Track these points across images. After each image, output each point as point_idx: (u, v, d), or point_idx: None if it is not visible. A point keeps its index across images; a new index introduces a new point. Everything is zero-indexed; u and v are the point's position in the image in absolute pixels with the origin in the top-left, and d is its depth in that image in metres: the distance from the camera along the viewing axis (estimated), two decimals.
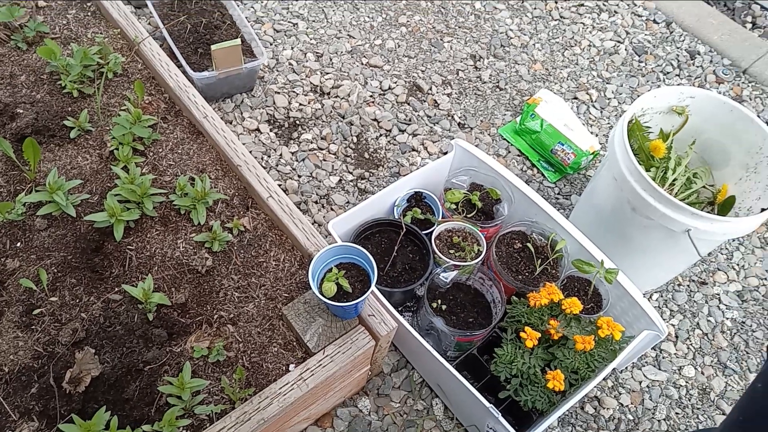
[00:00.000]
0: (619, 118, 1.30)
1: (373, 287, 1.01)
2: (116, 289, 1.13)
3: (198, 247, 1.19)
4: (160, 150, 1.31)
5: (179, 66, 1.54)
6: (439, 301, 1.28)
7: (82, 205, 1.21)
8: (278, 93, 1.77)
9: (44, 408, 1.01)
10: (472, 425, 1.23)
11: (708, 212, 1.35)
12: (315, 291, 0.99)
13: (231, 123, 1.69)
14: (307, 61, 1.86)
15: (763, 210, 1.22)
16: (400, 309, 1.41)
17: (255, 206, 1.27)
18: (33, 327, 1.08)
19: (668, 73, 2.01)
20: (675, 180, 1.34)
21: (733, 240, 1.66)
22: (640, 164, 1.35)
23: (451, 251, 1.33)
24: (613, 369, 1.40)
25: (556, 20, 2.12)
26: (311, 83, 1.81)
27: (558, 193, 1.69)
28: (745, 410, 0.80)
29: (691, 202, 1.36)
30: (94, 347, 1.06)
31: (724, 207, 1.36)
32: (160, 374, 1.05)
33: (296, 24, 1.95)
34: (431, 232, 1.35)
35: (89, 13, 1.53)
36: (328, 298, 0.99)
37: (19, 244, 1.17)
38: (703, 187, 1.40)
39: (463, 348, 1.27)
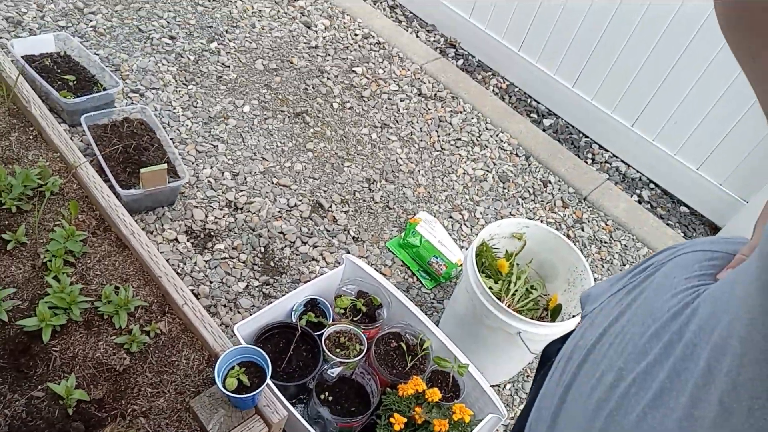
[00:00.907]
0: (472, 242, 1.66)
1: (267, 382, 1.25)
2: (39, 387, 1.29)
3: (117, 348, 1.39)
4: (89, 261, 1.52)
5: (107, 182, 1.78)
6: (327, 393, 1.53)
7: (13, 311, 1.38)
8: (197, 207, 2.02)
9: None
10: None
11: (542, 317, 1.71)
12: (219, 386, 1.21)
13: (152, 233, 1.91)
14: (224, 179, 2.14)
15: (573, 316, 1.59)
16: (294, 401, 1.63)
17: (171, 312, 1.49)
18: None
19: (525, 198, 2.47)
20: (516, 291, 1.70)
21: None
22: (489, 278, 1.71)
23: (338, 350, 1.60)
24: None
25: (438, 151, 2.56)
26: (227, 199, 2.08)
27: (434, 298, 2.02)
28: None
29: (529, 309, 1.72)
30: None
31: (554, 312, 1.72)
32: None
33: (216, 146, 2.25)
34: (322, 334, 1.61)
35: (31, 137, 1.76)
36: (230, 392, 1.22)
37: None
38: (540, 296, 1.77)
39: None
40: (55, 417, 1.25)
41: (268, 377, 1.25)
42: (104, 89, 2.11)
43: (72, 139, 1.97)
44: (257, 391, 1.22)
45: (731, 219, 2.56)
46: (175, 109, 2.31)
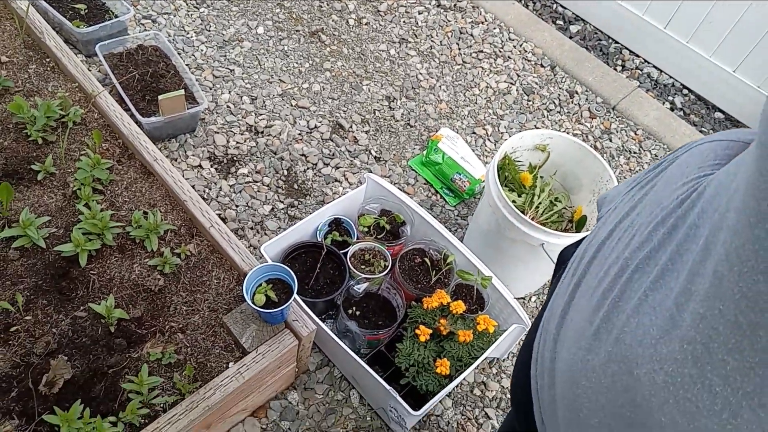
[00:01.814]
0: (494, 156, 1.63)
1: (294, 297, 1.29)
2: (81, 307, 1.36)
3: (151, 270, 1.44)
4: (116, 189, 1.55)
5: (128, 111, 1.79)
6: (354, 308, 1.58)
7: (50, 238, 1.44)
8: (217, 133, 2.03)
9: (23, 408, 1.22)
10: (380, 408, 1.53)
11: (567, 229, 1.71)
12: (248, 302, 1.26)
13: (176, 160, 1.94)
14: (242, 104, 2.13)
15: None
16: (323, 317, 1.69)
17: (199, 234, 1.53)
18: (10, 342, 1.30)
19: (551, 110, 2.40)
20: (540, 204, 1.69)
21: None
22: (512, 192, 1.70)
23: (363, 267, 1.63)
24: (497, 359, 1.73)
25: (459, 65, 2.48)
26: (247, 123, 2.08)
27: (457, 215, 2.03)
28: None
29: (554, 221, 1.71)
30: (65, 356, 1.29)
31: (579, 224, 1.71)
32: (121, 375, 1.29)
33: (233, 70, 2.22)
34: (347, 252, 1.64)
35: (48, 68, 1.76)
36: (259, 307, 1.27)
37: None
38: (564, 208, 1.75)
39: (373, 345, 1.57)
40: (98, 334, 1.32)
41: (294, 292, 1.29)
42: (116, 16, 2.08)
43: (89, 69, 1.97)
44: (285, 305, 1.26)
45: None
46: (188, 33, 2.27)
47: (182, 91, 1.82)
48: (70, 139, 1.61)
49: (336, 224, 1.74)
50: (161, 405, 1.25)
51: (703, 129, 2.52)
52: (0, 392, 1.23)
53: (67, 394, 1.24)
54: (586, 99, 2.47)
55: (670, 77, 2.67)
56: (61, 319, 1.34)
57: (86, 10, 2.06)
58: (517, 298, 1.82)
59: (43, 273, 1.39)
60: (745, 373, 0.37)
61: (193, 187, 1.68)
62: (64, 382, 1.25)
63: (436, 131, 2.21)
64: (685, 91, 2.65)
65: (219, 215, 1.80)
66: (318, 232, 1.70)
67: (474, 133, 2.26)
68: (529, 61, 2.56)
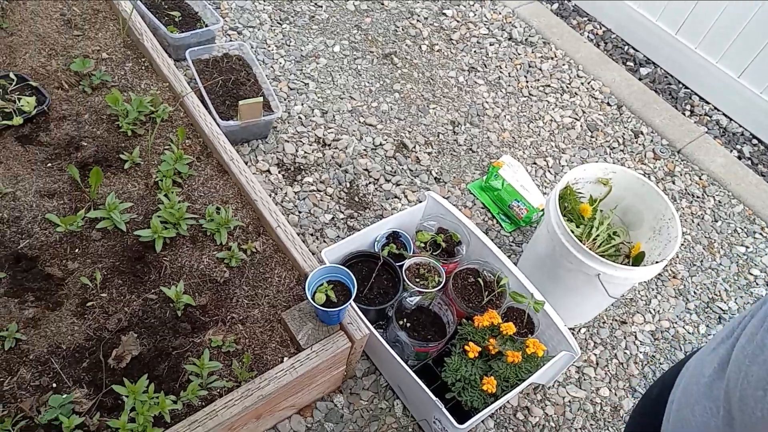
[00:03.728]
0: (557, 185, 1.66)
1: (352, 299, 1.34)
2: (153, 290, 1.45)
3: (218, 262, 1.52)
4: (194, 183, 1.65)
5: (209, 113, 1.90)
6: (405, 320, 1.61)
7: (130, 223, 1.54)
8: (288, 141, 2.13)
9: (93, 378, 1.30)
10: (423, 419, 1.55)
11: (623, 263, 1.70)
12: (309, 298, 1.32)
13: (247, 164, 2.04)
14: (313, 116, 2.23)
15: (656, 263, 1.57)
16: (373, 326, 1.73)
17: (265, 233, 1.60)
18: (86, 316, 1.39)
19: (614, 148, 2.40)
20: (598, 236, 1.70)
21: (652, 289, 2.01)
22: (571, 222, 1.71)
23: (417, 280, 1.67)
24: (543, 386, 1.72)
25: (525, 97, 2.51)
26: (316, 135, 2.17)
27: (512, 242, 2.05)
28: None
29: (610, 255, 1.71)
30: (135, 333, 1.37)
31: (636, 260, 1.71)
32: (184, 357, 1.36)
33: (307, 84, 2.33)
34: (402, 265, 1.68)
35: (143, 67, 1.90)
36: (319, 305, 1.32)
37: (77, 250, 1.49)
38: (622, 243, 1.75)
39: (421, 358, 1.60)
40: (166, 317, 1.40)
41: (353, 294, 1.34)
42: (206, 26, 2.22)
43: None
44: (344, 306, 1.31)
45: None
46: (269, 47, 2.40)
47: (261, 99, 1.93)
48: (156, 134, 1.73)
49: (394, 237, 1.79)
50: (219, 389, 1.31)
51: None
52: (73, 362, 1.31)
53: (133, 369, 1.31)
54: (651, 140, 2.46)
55: (740, 126, 2.63)
56: (133, 300, 1.43)
57: (180, 18, 2.22)
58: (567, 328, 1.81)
59: (121, 255, 1.49)
60: None
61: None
62: (132, 358, 1.33)
63: (498, 158, 2.24)
64: (755, 141, 2.60)
65: None
66: (376, 243, 1.75)
67: (535, 163, 2.28)
68: (595, 98, 2.58)
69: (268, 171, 2.04)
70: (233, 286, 1.49)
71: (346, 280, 1.39)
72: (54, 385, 1.26)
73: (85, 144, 1.67)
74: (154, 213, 1.54)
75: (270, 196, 1.97)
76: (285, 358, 1.38)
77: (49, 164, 1.64)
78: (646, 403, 0.98)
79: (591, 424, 1.68)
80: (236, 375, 1.33)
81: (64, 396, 1.22)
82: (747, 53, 2.47)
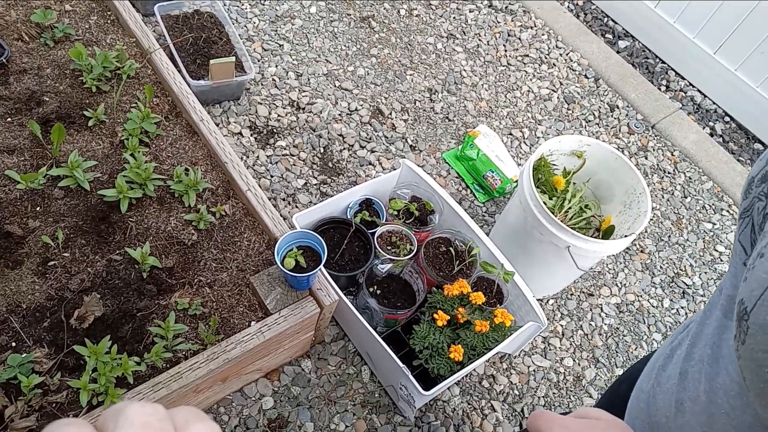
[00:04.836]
0: (531, 155, 1.65)
1: (322, 265, 1.33)
2: (117, 251, 1.42)
3: (186, 225, 1.49)
4: (162, 143, 1.61)
5: (179, 71, 1.84)
6: (375, 287, 1.61)
7: (94, 182, 1.49)
8: (260, 104, 2.07)
9: (54, 338, 1.27)
10: (390, 385, 1.56)
11: (593, 236, 1.72)
12: (278, 263, 1.30)
13: (218, 125, 1.99)
14: (288, 79, 2.17)
15: (625, 236, 1.59)
16: (344, 292, 1.72)
17: (235, 196, 1.57)
18: (47, 275, 1.35)
19: (590, 121, 2.40)
20: (570, 208, 1.71)
21: (620, 262, 2.04)
22: (544, 194, 1.72)
23: (389, 248, 1.66)
24: (509, 355, 1.75)
25: (503, 66, 2.49)
26: (290, 98, 2.12)
27: (485, 212, 2.05)
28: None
29: (581, 227, 1.72)
30: (99, 294, 1.34)
31: (606, 233, 1.72)
32: (149, 320, 1.33)
33: (282, 45, 2.26)
34: (375, 232, 1.67)
35: (109, 21, 1.82)
36: (288, 270, 1.30)
37: (38, 209, 1.44)
38: (593, 216, 1.77)
39: (390, 325, 1.60)
40: (131, 278, 1.37)
41: (323, 260, 1.33)
42: None
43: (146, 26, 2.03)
44: (313, 271, 1.30)
45: None
46: (243, 5, 2.32)
47: (233, 59, 1.87)
48: (122, 91, 1.67)
49: (367, 204, 1.77)
50: (184, 352, 1.30)
51: (740, 158, 2.50)
52: (33, 321, 1.29)
53: (96, 330, 1.29)
54: (627, 114, 2.47)
55: (714, 103, 2.66)
56: (96, 260, 1.39)
57: None
58: (536, 299, 1.83)
59: (84, 214, 1.44)
60: None
61: None
62: (95, 318, 1.30)
63: (474, 128, 2.23)
64: (727, 119, 2.63)
65: None
66: (349, 210, 1.73)
67: (511, 134, 2.27)
68: (573, 70, 2.56)
69: (240, 134, 1.99)
70: (201, 249, 1.46)
71: (317, 246, 1.38)
72: (13, 344, 1.23)
73: (47, 99, 1.60)
74: (119, 173, 1.50)
75: (241, 159, 1.93)
76: (252, 323, 1.37)
77: (9, 119, 1.57)
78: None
79: (553, 392, 1.71)
80: (202, 338, 1.31)
81: (24, 355, 1.19)
82: (724, 30, 2.48)
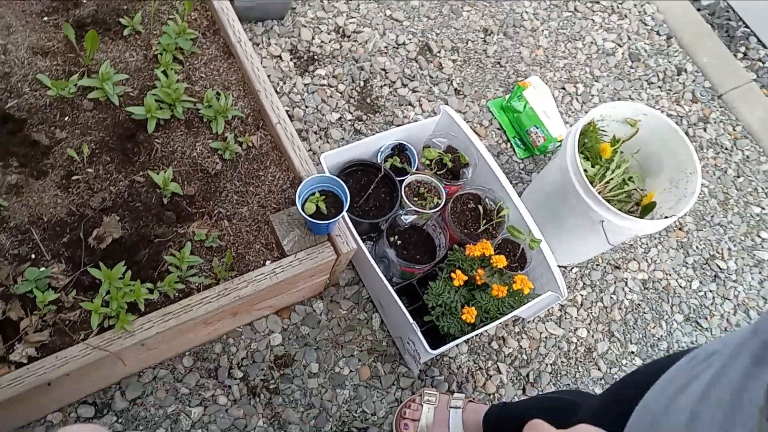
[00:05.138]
0: (580, 119, 1.54)
1: (343, 214, 1.29)
2: (141, 172, 1.40)
3: (212, 152, 1.46)
4: (196, 62, 1.55)
5: None
6: (396, 237, 1.58)
7: (124, 96, 1.46)
8: (305, 26, 1.97)
9: (71, 255, 1.28)
10: (398, 337, 1.56)
11: (631, 211, 1.63)
12: (299, 207, 1.27)
13: (258, 45, 1.91)
14: (337, 2, 2.05)
15: (665, 217, 1.50)
16: (364, 238, 1.70)
17: (264, 128, 1.52)
18: (70, 190, 1.35)
19: (652, 83, 2.23)
20: (611, 179, 1.61)
21: (654, 237, 1.95)
22: (587, 160, 1.62)
23: (416, 199, 1.61)
24: (522, 319, 1.72)
25: (569, 12, 2.30)
26: (336, 24, 2.01)
27: (522, 169, 1.96)
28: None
29: (620, 200, 1.63)
30: (118, 216, 1.34)
31: (645, 209, 1.63)
32: (165, 247, 1.33)
33: None
34: (403, 180, 1.62)
35: None
36: (308, 215, 1.27)
37: (66, 118, 1.42)
38: (635, 189, 1.67)
39: (406, 277, 1.58)
40: (151, 202, 1.37)
41: (345, 210, 1.29)
42: None
43: None
44: (333, 220, 1.26)
45: None
46: None
47: None
48: (161, 1, 1.60)
49: (399, 150, 1.70)
50: (196, 284, 1.30)
51: None
52: (53, 235, 1.29)
53: (113, 252, 1.30)
54: (694, 80, 2.27)
55: None
56: (120, 179, 1.38)
57: None
58: (560, 266, 1.78)
59: (111, 130, 1.42)
60: None
61: (269, 77, 1.66)
62: (112, 240, 1.30)
63: (525, 78, 2.09)
64: None
65: (287, 111, 1.79)
66: (379, 154, 1.67)
67: (563, 88, 2.13)
68: (645, 24, 2.35)
69: (280, 57, 1.91)
70: (224, 180, 1.44)
71: (340, 193, 1.33)
72: (33, 256, 1.25)
73: (85, 0, 1.54)
74: (149, 90, 1.46)
75: (277, 85, 1.87)
76: (267, 262, 1.36)
77: (45, 17, 1.53)
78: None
79: (562, 361, 1.69)
80: (216, 273, 1.31)
81: (42, 269, 1.21)
82: None
